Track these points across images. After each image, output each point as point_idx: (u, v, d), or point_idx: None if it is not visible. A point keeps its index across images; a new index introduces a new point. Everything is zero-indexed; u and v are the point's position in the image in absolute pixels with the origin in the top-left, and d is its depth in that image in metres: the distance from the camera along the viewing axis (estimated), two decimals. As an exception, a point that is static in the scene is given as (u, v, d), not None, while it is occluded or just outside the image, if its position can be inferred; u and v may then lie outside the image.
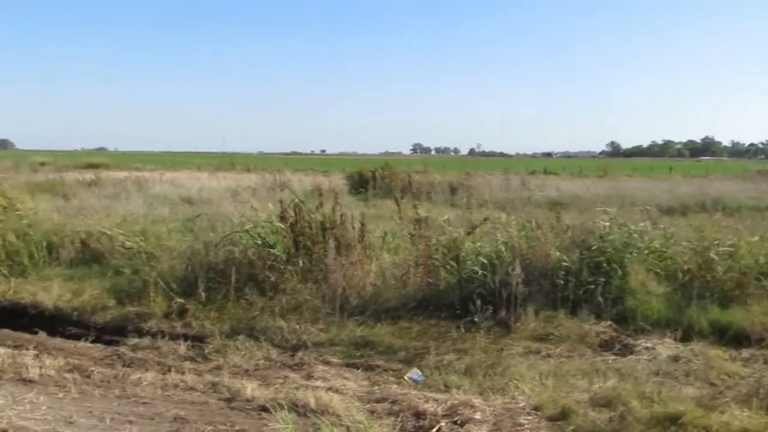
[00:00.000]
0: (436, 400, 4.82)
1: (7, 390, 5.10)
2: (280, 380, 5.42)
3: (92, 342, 6.88)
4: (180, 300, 7.41)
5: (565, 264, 7.24)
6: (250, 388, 5.12)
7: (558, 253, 7.42)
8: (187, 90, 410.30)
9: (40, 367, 5.73)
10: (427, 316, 7.04)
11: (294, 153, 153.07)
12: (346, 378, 5.50)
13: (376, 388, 5.28)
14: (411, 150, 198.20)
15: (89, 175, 23.85)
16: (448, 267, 7.68)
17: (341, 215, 8.01)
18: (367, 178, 22.60)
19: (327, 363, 5.92)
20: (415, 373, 5.55)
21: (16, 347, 6.51)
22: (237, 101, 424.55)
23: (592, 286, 7.01)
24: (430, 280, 7.63)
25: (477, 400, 4.80)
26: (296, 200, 8.40)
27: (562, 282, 7.05)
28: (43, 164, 35.86)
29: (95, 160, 42.04)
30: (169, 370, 5.74)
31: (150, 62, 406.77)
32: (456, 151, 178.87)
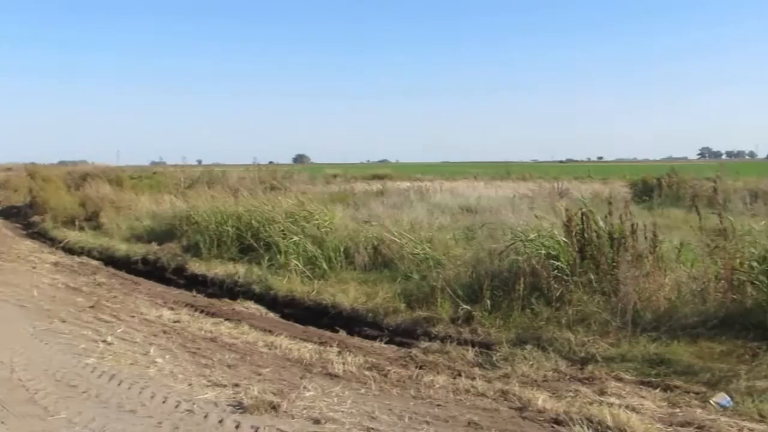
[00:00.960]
0: (751, 430, 4.34)
1: (316, 383, 5.60)
2: (571, 393, 5.27)
3: (386, 343, 7.30)
4: (466, 306, 7.57)
5: None
6: (541, 399, 5.06)
7: None
8: (459, 104, 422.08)
9: (343, 364, 6.21)
10: (731, 335, 6.34)
11: (569, 160, 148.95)
12: (642, 396, 5.18)
13: (678, 410, 4.89)
14: (698, 155, 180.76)
15: (376, 186, 25.34)
16: (757, 283, 6.89)
17: (632, 225, 7.59)
18: (652, 186, 21.23)
19: (619, 379, 5.63)
20: (722, 397, 5.04)
21: (321, 344, 7.16)
22: (510, 111, 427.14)
23: None
24: (734, 296, 6.90)
25: (803, 435, 4.23)
26: (583, 209, 8.13)
27: None
28: (335, 176, 38.31)
29: (380, 172, 44.52)
30: (459, 375, 5.90)
31: (424, 81, 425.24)
32: (752, 154, 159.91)
